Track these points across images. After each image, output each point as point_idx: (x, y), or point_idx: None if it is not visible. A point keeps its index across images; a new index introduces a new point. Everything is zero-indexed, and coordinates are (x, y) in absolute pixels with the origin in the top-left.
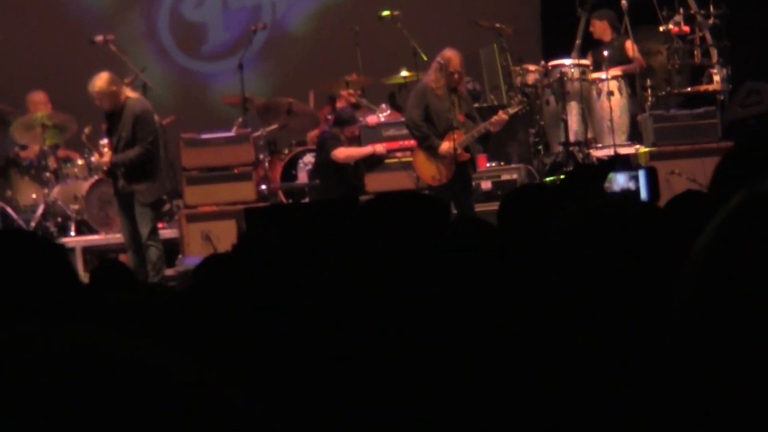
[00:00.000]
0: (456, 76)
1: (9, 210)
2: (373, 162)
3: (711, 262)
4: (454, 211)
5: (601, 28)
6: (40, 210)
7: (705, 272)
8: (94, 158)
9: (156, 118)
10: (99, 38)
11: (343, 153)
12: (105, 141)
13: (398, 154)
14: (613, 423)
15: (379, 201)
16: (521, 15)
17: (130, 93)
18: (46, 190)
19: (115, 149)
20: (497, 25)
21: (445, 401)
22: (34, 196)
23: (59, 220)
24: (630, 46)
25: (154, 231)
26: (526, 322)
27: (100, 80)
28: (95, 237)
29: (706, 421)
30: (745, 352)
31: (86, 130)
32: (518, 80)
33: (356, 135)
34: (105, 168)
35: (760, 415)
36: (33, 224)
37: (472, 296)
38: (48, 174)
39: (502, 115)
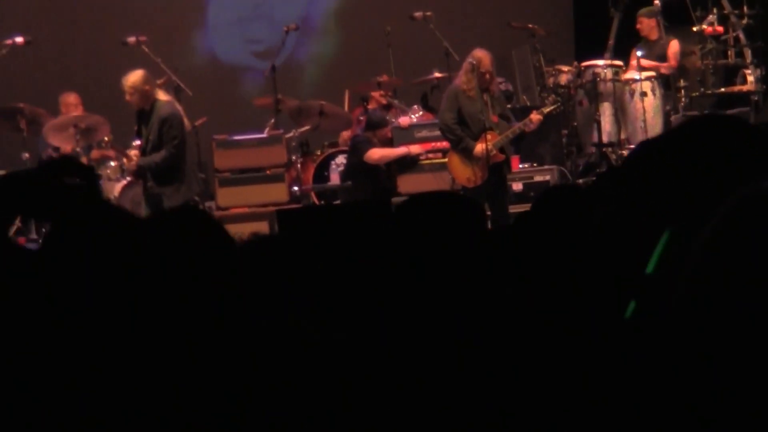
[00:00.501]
0: (487, 76)
1: None
2: (407, 163)
3: (708, 260)
4: (489, 213)
5: (649, 26)
6: None
7: (700, 271)
8: (124, 160)
9: (186, 121)
10: (131, 39)
11: (377, 154)
12: (138, 142)
13: (431, 155)
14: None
15: (415, 201)
16: (554, 16)
17: (161, 96)
18: None
19: (143, 151)
20: (530, 25)
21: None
22: None
23: None
24: (673, 46)
25: None
26: (559, 322)
27: (135, 76)
28: None
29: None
30: (740, 349)
31: (106, 138)
32: (551, 81)
33: (388, 137)
34: (133, 170)
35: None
36: None
37: (506, 297)
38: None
39: (536, 115)
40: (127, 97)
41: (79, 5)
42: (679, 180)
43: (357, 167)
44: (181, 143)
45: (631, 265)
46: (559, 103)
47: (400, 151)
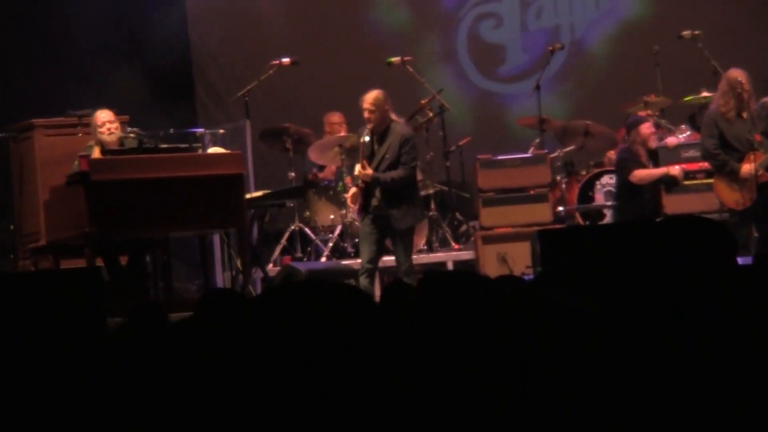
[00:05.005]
0: (745, 96)
1: (307, 230)
2: (671, 184)
3: None
4: (756, 234)
5: None
6: (337, 230)
7: None
8: (358, 167)
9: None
10: (396, 59)
11: (641, 173)
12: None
13: (698, 176)
14: None
15: (666, 224)
16: None
17: (396, 117)
18: (343, 211)
19: (375, 170)
20: None
21: None
22: (331, 216)
23: (356, 240)
24: None
25: (411, 258)
26: None
27: (377, 93)
28: (390, 258)
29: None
30: None
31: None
32: None
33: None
34: (364, 181)
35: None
36: (330, 244)
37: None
38: (345, 195)
39: None
40: (367, 114)
41: (346, 26)
42: None
43: (624, 187)
44: (416, 167)
45: None
46: None
47: (660, 171)
